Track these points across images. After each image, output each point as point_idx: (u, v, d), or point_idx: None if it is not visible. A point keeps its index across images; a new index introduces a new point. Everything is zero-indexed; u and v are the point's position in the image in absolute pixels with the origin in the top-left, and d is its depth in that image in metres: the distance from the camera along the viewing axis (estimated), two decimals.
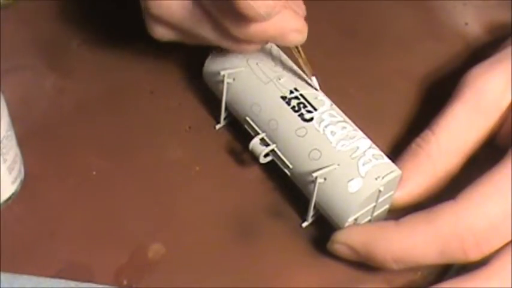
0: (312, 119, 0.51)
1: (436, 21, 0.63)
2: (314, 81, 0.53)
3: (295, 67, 0.54)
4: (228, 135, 0.56)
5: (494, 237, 0.47)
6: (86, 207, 0.52)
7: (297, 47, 0.52)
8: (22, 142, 0.52)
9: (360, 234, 0.49)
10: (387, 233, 0.48)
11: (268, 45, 0.54)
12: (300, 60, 0.53)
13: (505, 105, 0.51)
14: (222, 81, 0.53)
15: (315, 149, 0.50)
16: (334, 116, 0.51)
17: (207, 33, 0.51)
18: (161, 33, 0.53)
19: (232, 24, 0.49)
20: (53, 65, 0.58)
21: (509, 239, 0.47)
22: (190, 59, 0.58)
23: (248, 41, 0.50)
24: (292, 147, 0.51)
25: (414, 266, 0.49)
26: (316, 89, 0.53)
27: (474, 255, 0.47)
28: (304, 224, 0.52)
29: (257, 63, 0.53)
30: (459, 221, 0.47)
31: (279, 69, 0.53)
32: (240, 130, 0.55)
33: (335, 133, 0.50)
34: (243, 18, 0.48)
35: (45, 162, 0.54)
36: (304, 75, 0.53)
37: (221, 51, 0.54)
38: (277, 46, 0.54)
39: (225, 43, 0.51)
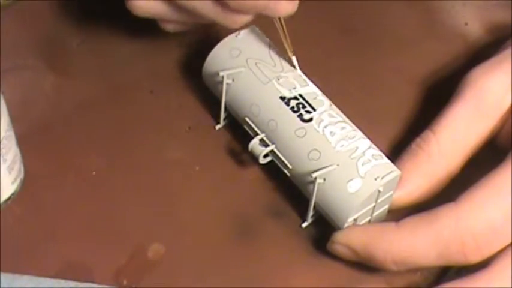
0: (311, 119, 0.51)
1: (436, 21, 0.62)
2: (294, 60, 0.53)
3: (294, 67, 0.54)
4: (227, 136, 0.56)
5: (494, 239, 0.47)
6: (86, 207, 0.52)
7: (279, 19, 0.52)
8: (22, 142, 0.52)
9: (360, 235, 0.49)
10: (387, 234, 0.48)
11: (267, 46, 0.54)
12: (282, 33, 0.53)
13: (505, 106, 0.51)
14: (222, 82, 0.53)
15: (314, 149, 0.50)
16: (333, 116, 0.51)
17: (197, 3, 0.50)
18: (142, 4, 0.51)
19: None
20: (53, 64, 0.58)
21: (510, 242, 0.47)
22: (190, 59, 0.58)
23: (240, 12, 0.50)
24: (291, 148, 0.51)
25: (414, 267, 0.49)
26: (294, 67, 0.53)
27: (474, 258, 0.47)
28: (304, 224, 0.52)
29: (256, 64, 0.53)
30: (459, 224, 0.47)
31: (278, 70, 0.53)
32: (239, 130, 0.55)
33: (334, 133, 0.50)
34: None
35: (45, 162, 0.54)
36: (289, 56, 0.53)
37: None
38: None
39: (215, 14, 0.50)
